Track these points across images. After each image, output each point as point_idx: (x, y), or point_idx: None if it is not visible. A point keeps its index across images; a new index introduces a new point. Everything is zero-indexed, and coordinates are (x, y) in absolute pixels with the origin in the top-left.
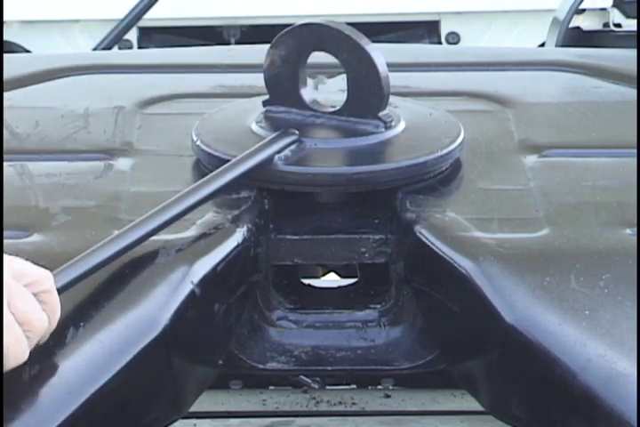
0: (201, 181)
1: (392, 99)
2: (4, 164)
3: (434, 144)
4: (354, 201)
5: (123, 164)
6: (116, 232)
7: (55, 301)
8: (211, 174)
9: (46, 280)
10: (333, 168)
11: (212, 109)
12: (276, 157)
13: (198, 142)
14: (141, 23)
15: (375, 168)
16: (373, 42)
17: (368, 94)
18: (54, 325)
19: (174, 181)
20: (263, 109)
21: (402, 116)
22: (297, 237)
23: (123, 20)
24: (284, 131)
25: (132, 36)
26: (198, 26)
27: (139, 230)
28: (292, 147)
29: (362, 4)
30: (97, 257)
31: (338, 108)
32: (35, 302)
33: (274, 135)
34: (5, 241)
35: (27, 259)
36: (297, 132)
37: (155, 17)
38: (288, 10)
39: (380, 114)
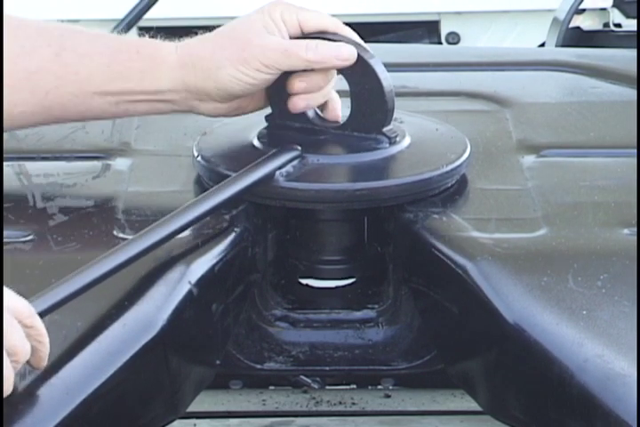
0: (199, 197)
1: (398, 113)
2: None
3: (439, 160)
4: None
5: (120, 164)
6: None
7: (40, 333)
8: (209, 190)
9: (30, 315)
10: (335, 184)
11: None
12: (278, 172)
13: (199, 158)
14: (141, 23)
15: (378, 184)
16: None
17: (372, 109)
18: (44, 357)
19: (172, 181)
20: (265, 124)
21: (407, 131)
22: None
23: (123, 19)
24: (286, 146)
25: (132, 36)
26: (198, 26)
27: (132, 249)
28: (294, 163)
29: (362, 4)
30: (87, 277)
31: (341, 123)
32: (22, 332)
33: (275, 151)
34: (4, 241)
35: (25, 259)
36: (299, 147)
37: (155, 17)
38: None
39: (385, 129)
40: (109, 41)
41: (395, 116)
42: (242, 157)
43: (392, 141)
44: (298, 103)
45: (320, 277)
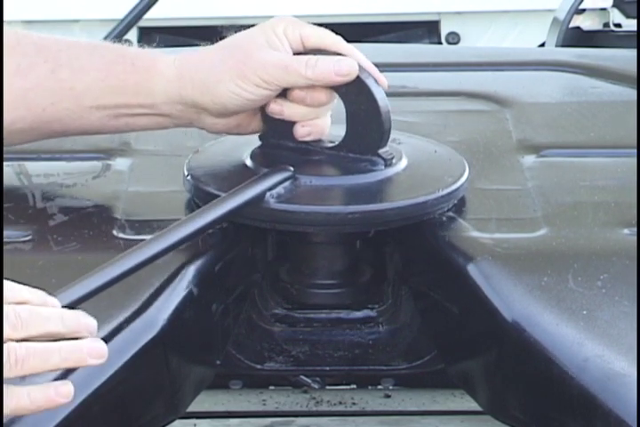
0: (187, 217)
1: (396, 135)
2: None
3: (435, 183)
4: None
5: (121, 164)
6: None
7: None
8: (197, 211)
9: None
10: (327, 207)
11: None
12: (268, 194)
13: (188, 177)
14: (141, 23)
15: (371, 208)
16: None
17: (368, 130)
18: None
19: (172, 181)
20: (258, 144)
21: (405, 153)
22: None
23: (123, 20)
24: (277, 167)
25: (132, 36)
26: (198, 26)
27: (112, 272)
28: (286, 184)
29: (362, 4)
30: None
31: (336, 143)
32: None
33: (265, 172)
34: (4, 241)
35: (25, 259)
36: (291, 168)
37: (155, 17)
38: (288, 10)
39: (380, 151)
40: (107, 53)
41: (393, 137)
42: (232, 176)
43: (388, 163)
44: (299, 130)
45: (312, 303)
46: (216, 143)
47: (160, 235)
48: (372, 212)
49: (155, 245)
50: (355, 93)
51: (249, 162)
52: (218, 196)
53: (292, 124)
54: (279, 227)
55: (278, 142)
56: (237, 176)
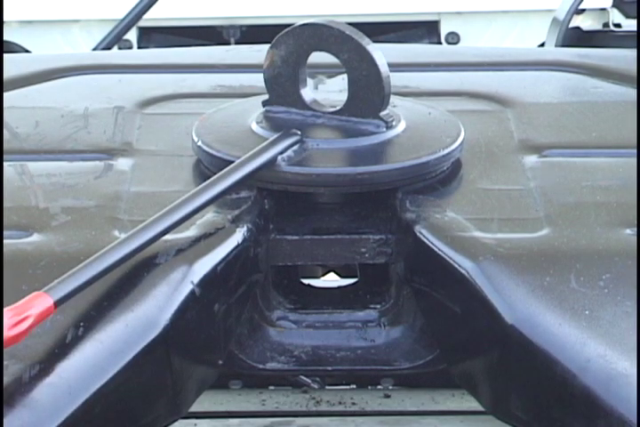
0: (206, 183)
1: (391, 98)
2: (4, 164)
3: (435, 144)
4: (354, 201)
5: (123, 164)
6: (123, 235)
7: None
8: (215, 176)
9: None
10: (337, 168)
11: (210, 109)
12: (279, 157)
13: (200, 143)
14: (141, 23)
15: (378, 168)
16: (373, 42)
17: (369, 94)
18: None
19: (174, 181)
20: (263, 109)
21: (401, 115)
22: (297, 238)
23: (123, 19)
24: (287, 131)
25: (132, 36)
26: (198, 26)
27: (147, 233)
28: (295, 147)
29: (362, 4)
30: (106, 260)
31: (338, 108)
32: None
33: (276, 136)
34: (5, 241)
35: (27, 259)
36: (299, 132)
37: (155, 17)
38: (288, 10)
39: (381, 114)
40: None
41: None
42: (242, 142)
43: (389, 126)
44: None
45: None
46: (219, 110)
47: (185, 200)
48: (379, 172)
49: (180, 210)
50: (357, 60)
51: (256, 127)
52: (231, 162)
53: (294, 90)
54: (291, 189)
55: (281, 108)
56: (246, 141)
